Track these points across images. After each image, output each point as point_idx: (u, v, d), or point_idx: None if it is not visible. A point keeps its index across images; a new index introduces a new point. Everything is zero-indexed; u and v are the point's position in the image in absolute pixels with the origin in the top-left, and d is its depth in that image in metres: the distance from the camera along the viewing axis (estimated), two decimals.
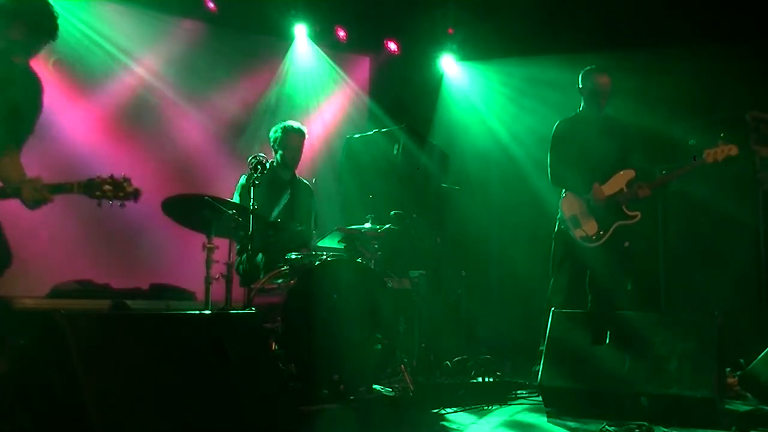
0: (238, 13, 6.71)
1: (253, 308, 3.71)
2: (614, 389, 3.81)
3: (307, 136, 5.31)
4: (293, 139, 5.21)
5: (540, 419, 3.92)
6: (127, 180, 3.38)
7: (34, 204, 3.36)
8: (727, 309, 4.18)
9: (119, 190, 3.34)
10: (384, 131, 5.94)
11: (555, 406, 4.00)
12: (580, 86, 5.16)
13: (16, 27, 3.47)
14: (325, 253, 4.57)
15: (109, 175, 3.34)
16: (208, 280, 4.12)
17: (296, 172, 5.36)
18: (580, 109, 5.21)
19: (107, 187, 3.31)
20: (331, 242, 4.89)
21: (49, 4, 3.57)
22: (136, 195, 3.40)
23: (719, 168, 4.66)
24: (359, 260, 4.60)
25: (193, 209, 4.15)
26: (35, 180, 3.37)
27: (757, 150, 4.44)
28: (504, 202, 7.05)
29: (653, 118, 5.84)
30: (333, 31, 7.23)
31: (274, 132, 5.23)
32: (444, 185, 6.17)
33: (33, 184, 3.35)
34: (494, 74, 7.30)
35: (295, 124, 5.30)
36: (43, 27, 3.54)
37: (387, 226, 4.85)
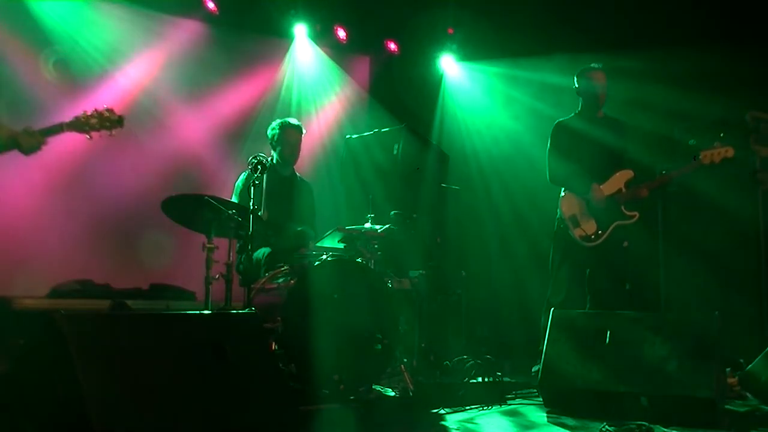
0: (238, 13, 6.71)
1: (253, 308, 3.71)
2: (614, 389, 3.81)
3: (305, 132, 5.30)
4: (291, 135, 5.20)
5: (539, 419, 3.92)
6: (110, 110, 3.69)
7: (30, 150, 3.62)
8: (727, 309, 4.18)
9: (104, 120, 3.66)
10: (384, 131, 5.94)
11: (555, 406, 4.01)
12: (576, 86, 5.18)
13: None
14: (325, 253, 4.57)
15: (93, 108, 3.66)
16: (208, 280, 4.11)
17: (296, 172, 5.36)
18: (579, 109, 5.22)
19: (93, 120, 3.63)
20: (331, 242, 4.89)
21: None
22: (120, 121, 3.72)
23: (719, 168, 4.67)
24: (359, 260, 4.60)
25: (193, 209, 4.14)
26: (27, 127, 3.61)
27: (757, 150, 4.45)
28: (504, 202, 7.04)
29: (653, 118, 5.84)
30: (333, 31, 7.23)
31: (272, 129, 5.23)
32: (444, 185, 6.17)
33: (27, 130, 3.59)
34: (494, 74, 7.29)
35: (293, 120, 5.29)
36: None
37: (387, 226, 4.85)
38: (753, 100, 5.06)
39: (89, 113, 3.66)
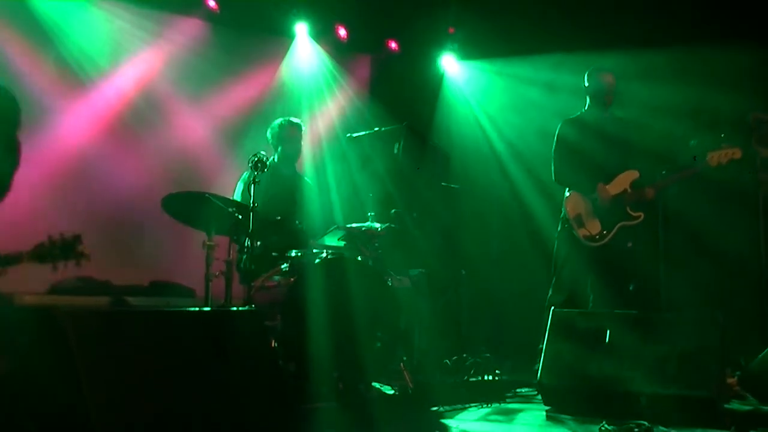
0: (239, 12, 6.71)
1: (253, 306, 3.72)
2: (614, 389, 3.81)
3: (305, 129, 5.32)
4: (291, 133, 5.21)
5: (539, 418, 3.92)
6: (77, 238, 3.14)
7: None
8: (728, 309, 4.18)
9: (69, 251, 3.11)
10: (384, 130, 5.93)
11: (554, 405, 4.01)
12: (586, 85, 5.16)
13: None
14: (325, 251, 4.57)
15: (59, 234, 3.09)
16: (208, 278, 4.12)
17: (298, 171, 5.37)
18: (585, 108, 5.21)
19: (57, 251, 3.08)
20: (331, 240, 4.89)
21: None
22: (86, 257, 3.19)
23: (721, 169, 4.66)
24: (359, 258, 4.60)
25: (193, 207, 4.15)
26: None
27: (758, 150, 4.45)
28: (504, 202, 7.04)
29: (654, 118, 5.83)
30: (334, 29, 7.22)
31: (272, 129, 5.24)
32: (444, 184, 6.17)
33: None
34: (495, 73, 7.28)
35: (292, 118, 5.31)
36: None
37: (387, 224, 4.85)
38: (754, 100, 5.08)
39: (54, 241, 3.09)
